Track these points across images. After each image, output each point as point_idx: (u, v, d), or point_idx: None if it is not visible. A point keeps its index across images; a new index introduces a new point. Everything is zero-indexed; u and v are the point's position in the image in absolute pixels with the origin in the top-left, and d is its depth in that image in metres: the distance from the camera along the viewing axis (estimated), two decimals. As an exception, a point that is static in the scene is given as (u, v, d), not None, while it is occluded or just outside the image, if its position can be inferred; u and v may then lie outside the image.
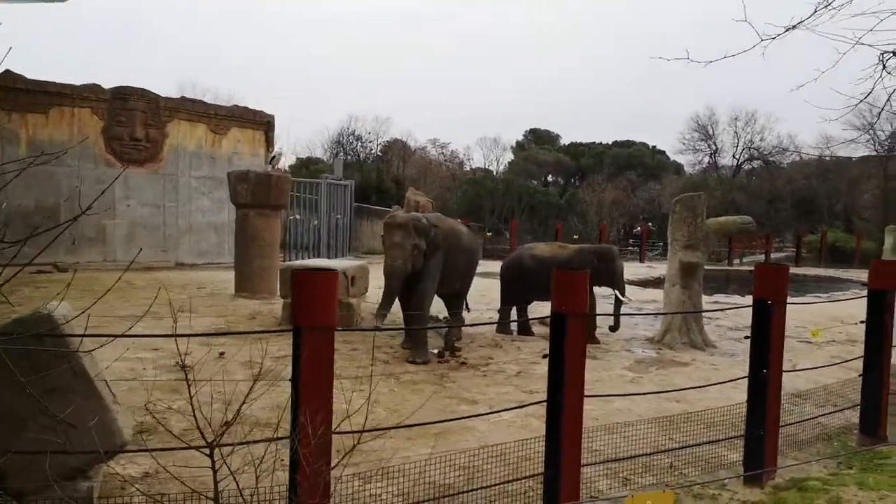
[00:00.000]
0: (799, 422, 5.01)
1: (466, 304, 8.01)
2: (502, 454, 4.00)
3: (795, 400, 5.70)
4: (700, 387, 5.48)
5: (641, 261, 24.83)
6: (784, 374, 6.33)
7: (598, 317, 8.04)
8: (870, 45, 3.90)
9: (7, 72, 13.45)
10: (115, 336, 2.94)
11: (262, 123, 16.50)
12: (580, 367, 3.29)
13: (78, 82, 13.98)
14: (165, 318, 9.29)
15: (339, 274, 7.74)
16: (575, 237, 24.91)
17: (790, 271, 4.31)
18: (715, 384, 5.18)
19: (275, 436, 2.63)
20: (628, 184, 36.63)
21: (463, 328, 7.79)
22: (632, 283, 16.88)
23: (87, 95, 13.97)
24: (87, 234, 14.13)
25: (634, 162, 42.31)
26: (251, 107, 16.83)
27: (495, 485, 3.63)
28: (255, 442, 2.45)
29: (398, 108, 66.99)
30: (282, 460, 3.04)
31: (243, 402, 2.18)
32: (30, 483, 2.96)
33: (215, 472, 2.02)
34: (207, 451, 1.98)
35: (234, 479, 2.06)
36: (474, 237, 7.89)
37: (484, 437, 4.49)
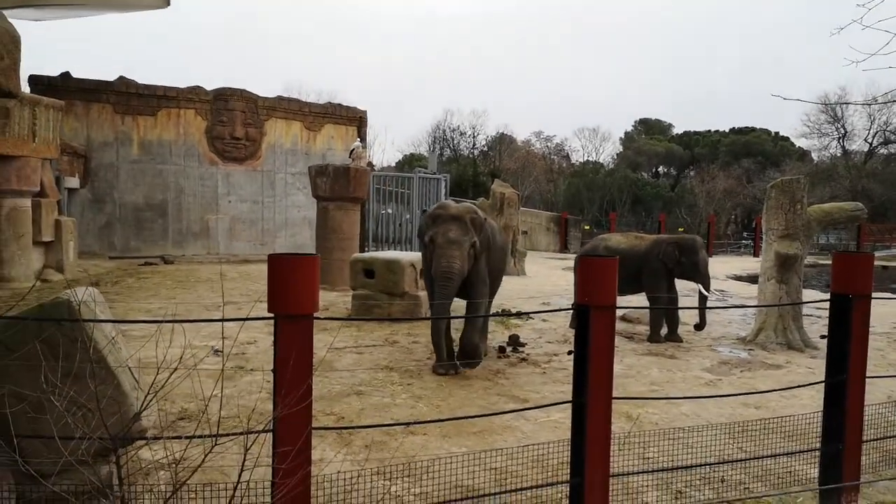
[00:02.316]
0: (900, 435, 4.33)
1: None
2: (541, 457, 3.71)
3: (903, 410, 4.95)
4: (772, 391, 4.89)
5: (755, 255, 23.19)
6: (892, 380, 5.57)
7: (680, 312, 7.43)
8: None
9: (121, 78, 14.48)
10: (127, 322, 2.96)
11: (355, 119, 16.79)
12: (607, 365, 2.95)
13: (183, 85, 14.82)
14: (244, 306, 9.46)
15: (405, 265, 7.67)
16: (680, 229, 23.63)
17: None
18: (792, 388, 4.57)
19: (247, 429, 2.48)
20: (743, 172, 34.23)
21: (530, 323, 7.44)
22: (740, 278, 15.77)
23: (191, 97, 14.77)
24: (193, 229, 14.96)
25: (753, 149, 39.54)
26: (346, 104, 17.19)
27: (523, 489, 3.35)
28: (157, 439, 2.33)
29: (495, 101, 66.72)
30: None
31: (153, 394, 2.05)
32: (49, 465, 3.03)
33: (119, 466, 1.91)
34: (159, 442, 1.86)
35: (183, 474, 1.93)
36: (502, 232, 7.41)
37: (526, 437, 4.21)
